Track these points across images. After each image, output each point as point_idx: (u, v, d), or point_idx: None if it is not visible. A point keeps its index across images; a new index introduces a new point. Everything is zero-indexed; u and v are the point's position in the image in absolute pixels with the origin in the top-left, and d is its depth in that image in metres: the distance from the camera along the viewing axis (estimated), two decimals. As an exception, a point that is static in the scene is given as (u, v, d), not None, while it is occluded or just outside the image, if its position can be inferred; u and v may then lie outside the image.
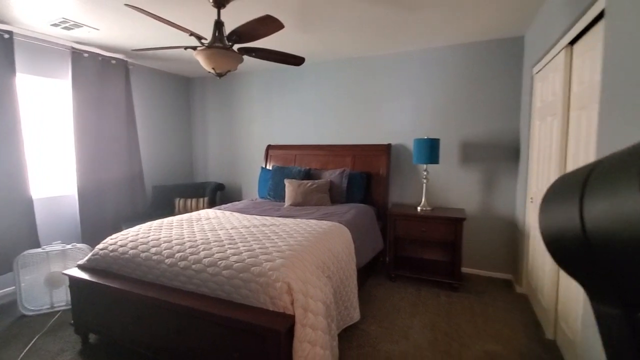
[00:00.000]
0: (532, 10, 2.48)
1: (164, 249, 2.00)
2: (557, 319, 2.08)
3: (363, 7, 2.43)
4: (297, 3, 2.35)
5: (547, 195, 0.29)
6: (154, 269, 1.94)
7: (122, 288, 1.88)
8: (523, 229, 2.81)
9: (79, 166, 3.32)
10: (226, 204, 3.55)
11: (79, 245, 2.73)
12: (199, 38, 2.16)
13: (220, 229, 2.34)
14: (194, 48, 2.21)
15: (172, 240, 2.08)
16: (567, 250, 0.26)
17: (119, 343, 1.99)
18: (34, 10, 2.48)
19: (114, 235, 2.30)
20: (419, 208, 3.16)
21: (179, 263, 1.88)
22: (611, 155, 0.23)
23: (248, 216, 2.80)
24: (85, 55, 3.31)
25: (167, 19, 1.95)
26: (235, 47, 2.40)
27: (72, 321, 2.14)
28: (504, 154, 3.16)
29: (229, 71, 2.31)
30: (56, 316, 2.48)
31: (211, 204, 3.96)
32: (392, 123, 3.61)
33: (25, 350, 2.07)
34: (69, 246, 2.68)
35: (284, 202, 3.44)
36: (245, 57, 2.41)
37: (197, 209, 3.86)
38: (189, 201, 3.92)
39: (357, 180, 3.42)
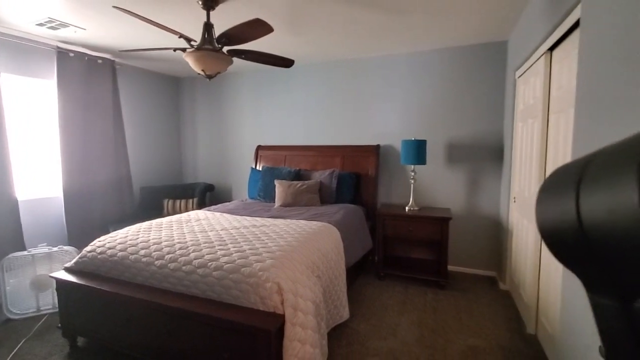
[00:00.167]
0: (515, 16, 2.57)
1: (154, 251, 2.00)
2: (538, 314, 2.16)
3: (351, 11, 2.47)
4: (287, 6, 2.37)
5: (544, 188, 0.28)
6: (143, 271, 1.94)
7: (111, 290, 1.88)
8: (506, 228, 2.90)
9: (64, 167, 3.28)
10: (216, 204, 3.55)
11: (65, 247, 2.69)
12: (189, 40, 2.17)
13: (211, 230, 2.34)
14: (184, 50, 2.21)
15: (161, 242, 2.09)
16: (564, 243, 0.25)
17: (108, 346, 1.98)
18: (19, 10, 2.44)
19: (102, 237, 2.29)
20: (406, 208, 3.23)
21: (168, 265, 1.88)
22: (607, 148, 0.23)
23: (238, 217, 2.81)
24: (71, 55, 3.26)
25: (156, 20, 1.95)
26: (225, 49, 2.41)
27: (60, 324, 2.12)
28: (488, 154, 3.25)
29: (218, 73, 2.33)
30: (43, 320, 2.45)
31: (200, 205, 3.94)
32: (380, 124, 3.67)
33: (11, 355, 2.05)
34: (55, 249, 2.64)
35: (274, 202, 3.46)
36: (235, 58, 2.42)
37: (186, 210, 3.85)
38: (177, 202, 3.90)
39: (347, 180, 3.46)
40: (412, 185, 3.27)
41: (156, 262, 1.93)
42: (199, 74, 2.29)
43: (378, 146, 3.61)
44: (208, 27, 2.22)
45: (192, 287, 1.78)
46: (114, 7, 1.90)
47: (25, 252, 2.56)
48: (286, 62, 2.63)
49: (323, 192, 3.41)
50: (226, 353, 1.58)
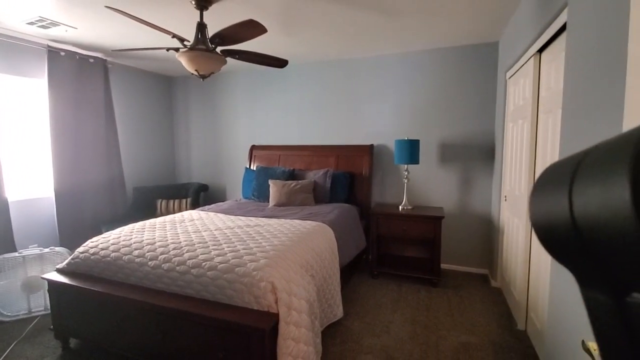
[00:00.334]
0: (505, 17, 2.61)
1: (147, 252, 2.00)
2: (528, 311, 2.20)
3: (345, 12, 2.48)
4: (280, 6, 2.38)
5: (538, 184, 0.28)
6: (136, 271, 1.94)
7: (104, 291, 1.87)
8: (498, 226, 2.95)
9: (56, 167, 3.24)
10: (210, 205, 3.54)
11: (57, 248, 2.67)
12: (182, 40, 2.16)
13: (204, 231, 2.35)
14: (177, 50, 2.21)
15: (155, 243, 2.08)
16: (557, 239, 0.25)
17: (102, 347, 1.98)
18: (8, 9, 2.40)
19: (94, 238, 2.28)
20: (400, 207, 3.26)
21: (162, 265, 1.88)
22: (600, 144, 0.23)
23: (232, 217, 2.81)
24: (62, 54, 3.23)
25: (149, 20, 1.95)
26: (219, 49, 2.41)
27: (52, 326, 2.10)
28: (480, 154, 3.29)
29: (212, 73, 2.32)
30: (34, 321, 2.42)
31: (194, 205, 3.93)
32: (374, 124, 3.69)
33: (1, 358, 2.02)
34: (46, 250, 2.62)
35: (268, 202, 3.46)
36: (228, 58, 2.42)
37: (180, 210, 3.83)
38: (171, 202, 3.88)
39: (341, 180, 3.48)
40: (405, 184, 3.30)
41: (150, 262, 1.92)
42: (192, 73, 2.29)
43: (372, 146, 3.63)
44: (201, 27, 2.22)
45: (186, 287, 1.78)
46: (106, 7, 1.89)
47: (15, 254, 2.53)
48: (280, 62, 2.63)
49: (317, 191, 3.43)
50: (220, 353, 1.59)
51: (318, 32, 2.92)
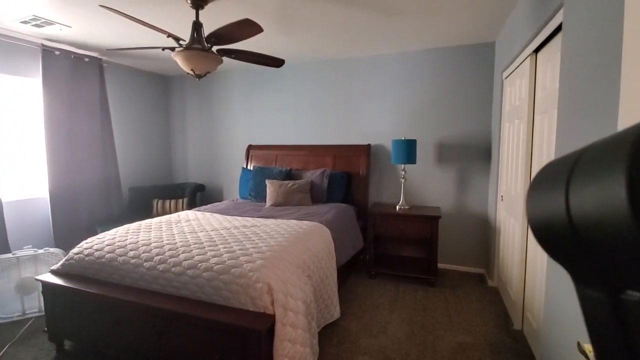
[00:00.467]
0: (502, 18, 2.61)
1: (142, 252, 1.98)
2: (524, 311, 2.21)
3: (342, 11, 2.48)
4: (277, 5, 2.37)
5: (535, 182, 0.28)
6: (132, 272, 1.92)
7: (99, 293, 1.85)
8: (494, 226, 2.96)
9: (50, 168, 3.21)
10: (206, 205, 3.52)
11: (51, 249, 2.64)
12: (177, 39, 2.15)
13: (201, 231, 2.33)
14: (172, 49, 2.19)
15: (150, 244, 2.07)
16: (553, 237, 0.25)
17: (97, 349, 1.96)
18: (2, 7, 2.38)
19: (89, 239, 2.26)
20: (397, 207, 3.26)
21: (158, 266, 1.87)
22: (596, 142, 0.23)
23: (229, 217, 2.80)
24: (57, 53, 3.20)
25: (145, 19, 1.93)
26: (214, 48, 2.39)
27: (46, 328, 2.08)
28: (476, 154, 3.30)
29: (208, 72, 2.31)
30: (28, 323, 2.40)
31: (191, 205, 3.91)
32: (371, 124, 3.69)
33: (-5, 360, 2.01)
34: (41, 251, 2.59)
35: (265, 202, 3.45)
36: (225, 57, 2.40)
37: (176, 210, 3.81)
38: (167, 202, 3.86)
39: (338, 180, 3.48)
40: (402, 184, 3.30)
41: (145, 263, 1.91)
42: (188, 73, 2.27)
43: (369, 146, 3.63)
44: (197, 26, 2.20)
45: (182, 288, 1.77)
46: (101, 5, 1.87)
47: (9, 255, 2.50)
48: (277, 62, 2.62)
49: (314, 191, 3.42)
50: (217, 354, 1.58)
51: (315, 32, 2.92)
